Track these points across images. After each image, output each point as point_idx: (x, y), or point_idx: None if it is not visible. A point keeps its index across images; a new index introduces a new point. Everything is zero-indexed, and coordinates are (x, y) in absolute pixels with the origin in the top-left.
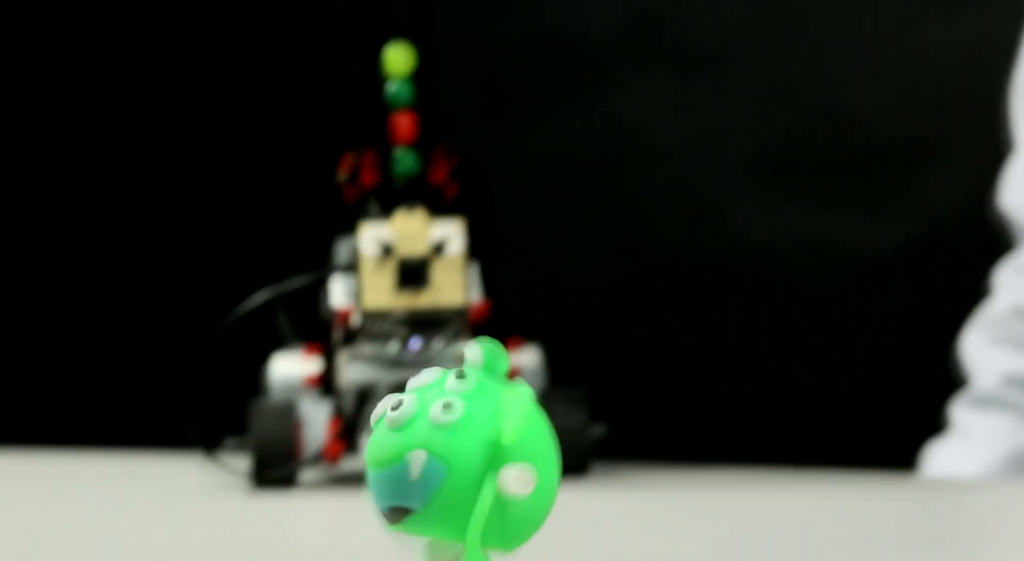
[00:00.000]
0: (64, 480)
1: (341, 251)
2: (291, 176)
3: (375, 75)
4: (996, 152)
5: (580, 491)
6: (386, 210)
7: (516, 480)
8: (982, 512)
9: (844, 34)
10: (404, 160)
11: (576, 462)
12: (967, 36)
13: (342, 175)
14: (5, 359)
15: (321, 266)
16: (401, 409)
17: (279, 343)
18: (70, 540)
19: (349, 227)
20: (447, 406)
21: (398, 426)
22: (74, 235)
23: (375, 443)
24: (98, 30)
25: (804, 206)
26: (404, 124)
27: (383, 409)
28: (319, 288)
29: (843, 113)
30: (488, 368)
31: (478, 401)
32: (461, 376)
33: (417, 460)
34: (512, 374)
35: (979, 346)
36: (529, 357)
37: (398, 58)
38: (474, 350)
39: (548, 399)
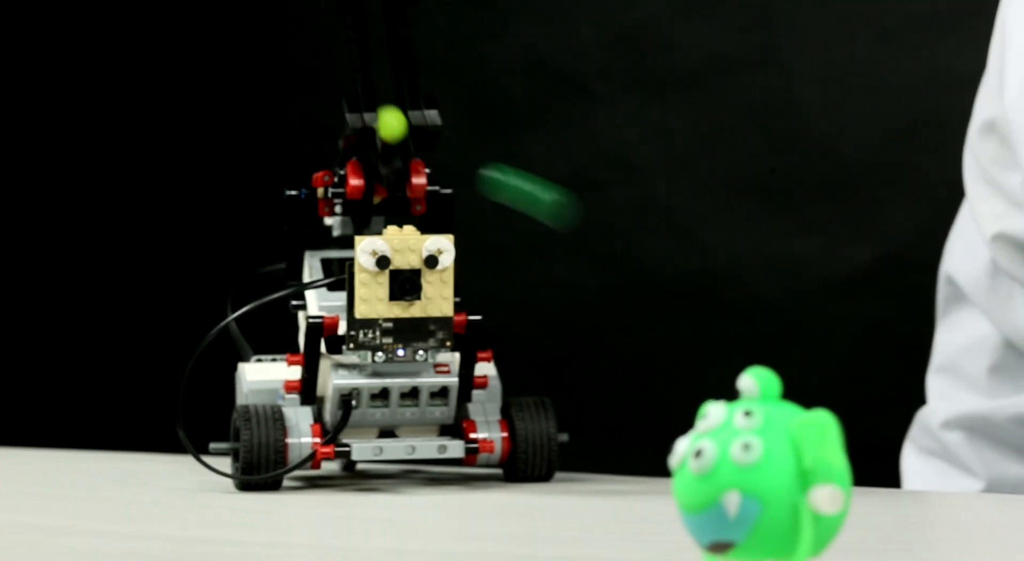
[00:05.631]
0: (56, 478)
1: (309, 265)
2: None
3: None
4: (951, 183)
5: (547, 495)
6: (358, 224)
7: (827, 499)
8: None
9: (813, 64)
10: (387, 120)
11: (545, 468)
12: (928, 67)
13: (320, 190)
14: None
15: (283, 279)
16: (704, 457)
17: (238, 356)
18: (64, 537)
19: (316, 242)
20: (747, 447)
21: (705, 472)
22: (63, 250)
23: (685, 489)
24: (85, 26)
25: (771, 226)
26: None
27: (681, 456)
28: (288, 301)
29: (810, 138)
30: (765, 395)
31: (771, 435)
32: (748, 413)
33: (732, 501)
34: (479, 384)
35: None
36: (488, 367)
37: (390, 124)
38: (747, 381)
39: (518, 407)
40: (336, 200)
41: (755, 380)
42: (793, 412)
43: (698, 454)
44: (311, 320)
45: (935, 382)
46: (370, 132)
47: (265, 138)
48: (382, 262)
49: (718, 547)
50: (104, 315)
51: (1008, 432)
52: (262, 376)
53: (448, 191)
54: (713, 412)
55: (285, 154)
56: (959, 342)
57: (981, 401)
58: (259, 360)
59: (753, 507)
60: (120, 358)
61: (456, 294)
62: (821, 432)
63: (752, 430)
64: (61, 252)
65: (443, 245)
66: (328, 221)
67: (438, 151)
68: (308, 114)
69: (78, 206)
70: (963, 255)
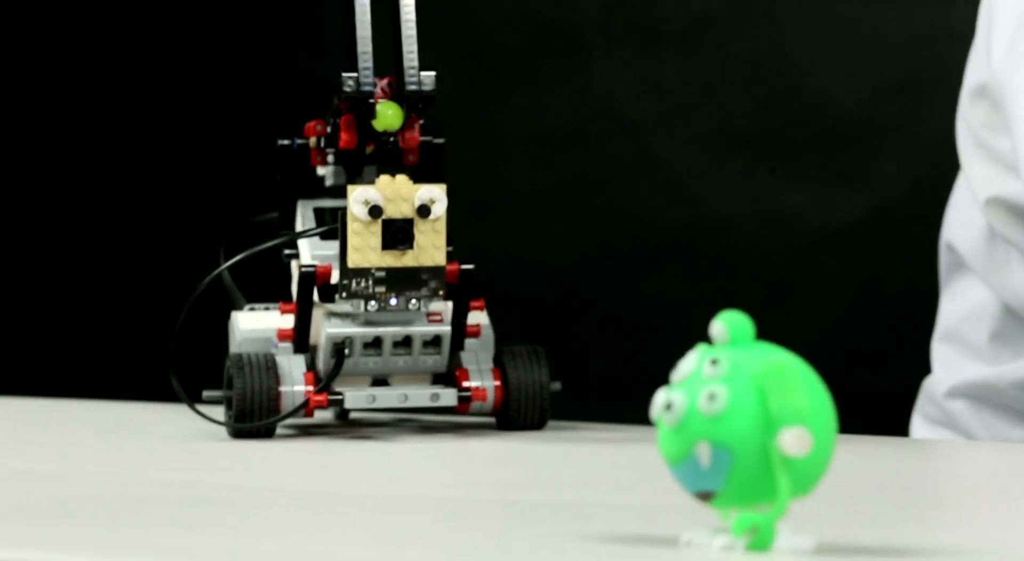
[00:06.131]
0: (49, 426)
1: (302, 213)
2: (258, 143)
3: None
4: (942, 136)
5: (540, 443)
6: (351, 173)
7: (793, 442)
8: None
9: (806, 17)
10: (386, 114)
11: (537, 416)
12: (921, 23)
13: (312, 140)
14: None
15: (275, 228)
16: (674, 409)
17: (231, 305)
18: (57, 482)
19: (309, 191)
20: (712, 397)
21: (677, 425)
22: (56, 201)
23: (664, 441)
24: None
25: (763, 180)
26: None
27: (659, 408)
28: (281, 249)
29: (803, 93)
30: (736, 340)
31: (737, 382)
32: (715, 361)
33: (703, 452)
34: (472, 333)
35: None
36: (480, 316)
37: (388, 115)
38: (717, 327)
39: (511, 356)
40: (328, 150)
41: (725, 325)
42: (762, 356)
43: (669, 407)
44: (304, 269)
45: (939, 351)
46: (366, 100)
47: (258, 88)
48: (375, 211)
49: (701, 497)
50: (98, 265)
51: (1011, 398)
52: (255, 325)
53: (440, 141)
54: (684, 361)
55: (277, 104)
56: (961, 310)
57: (983, 368)
58: (252, 309)
59: (724, 456)
60: (114, 307)
61: (448, 245)
62: (783, 376)
63: (718, 379)
64: (54, 203)
65: (436, 195)
66: (320, 171)
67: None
68: (300, 63)
69: (71, 155)
70: (961, 222)
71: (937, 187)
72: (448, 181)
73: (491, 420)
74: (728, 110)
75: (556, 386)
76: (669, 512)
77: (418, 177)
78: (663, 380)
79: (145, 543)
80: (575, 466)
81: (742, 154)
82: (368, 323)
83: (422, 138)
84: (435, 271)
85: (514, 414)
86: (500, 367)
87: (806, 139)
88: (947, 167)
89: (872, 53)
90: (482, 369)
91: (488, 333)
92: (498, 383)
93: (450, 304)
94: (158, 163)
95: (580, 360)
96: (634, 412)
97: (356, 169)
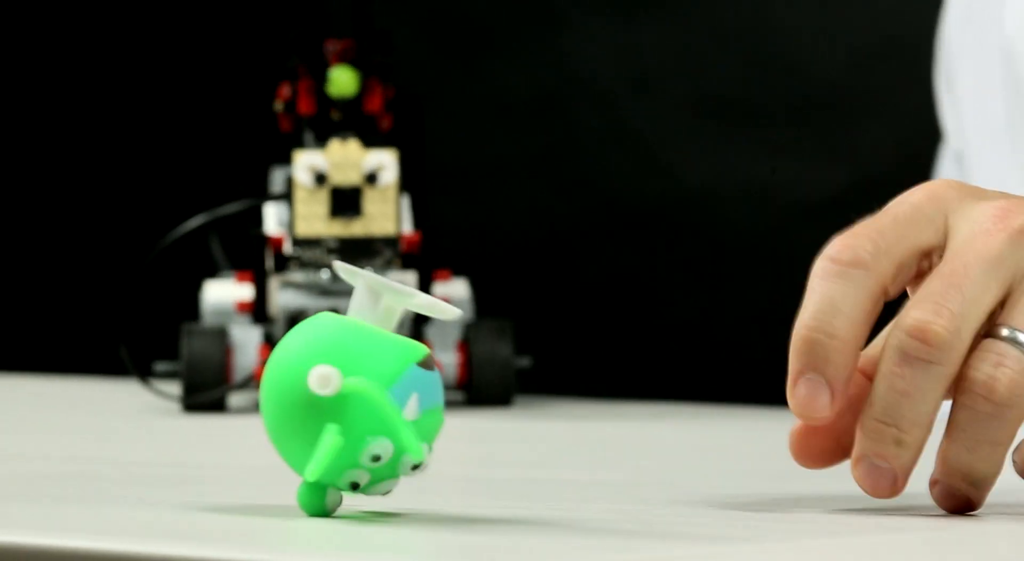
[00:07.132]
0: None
1: (276, 179)
2: (229, 105)
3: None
4: (928, 103)
5: (506, 420)
6: (320, 140)
7: (318, 380)
8: None
9: None
10: (340, 79)
11: (502, 392)
12: None
13: (277, 104)
14: None
15: (257, 194)
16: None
17: (213, 270)
18: (3, 458)
19: (284, 156)
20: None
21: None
22: (7, 167)
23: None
24: None
25: (742, 150)
26: None
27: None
28: (251, 215)
29: (781, 60)
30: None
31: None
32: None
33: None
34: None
35: None
36: (457, 289)
37: (341, 80)
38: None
39: (476, 330)
40: (290, 114)
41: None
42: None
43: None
44: (253, 234)
45: None
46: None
47: (225, 51)
48: (320, 178)
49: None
50: (46, 234)
51: None
52: (224, 295)
53: (392, 95)
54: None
55: (246, 68)
56: None
57: None
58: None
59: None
60: (63, 278)
61: (421, 216)
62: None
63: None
64: (3, 165)
65: (384, 161)
66: None
67: (399, 73)
68: (269, 26)
69: (25, 122)
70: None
71: (921, 156)
72: (420, 152)
73: (458, 396)
74: (706, 78)
75: (524, 362)
76: (638, 488)
77: (393, 143)
78: (637, 354)
79: (94, 521)
80: (541, 442)
81: (720, 123)
82: (324, 293)
83: (392, 98)
84: (389, 240)
85: (479, 390)
86: (466, 342)
87: (786, 107)
88: (931, 135)
89: (854, 18)
90: (446, 343)
91: (464, 306)
92: (462, 358)
93: (411, 274)
94: (113, 129)
95: (552, 334)
96: (607, 387)
97: (324, 136)
